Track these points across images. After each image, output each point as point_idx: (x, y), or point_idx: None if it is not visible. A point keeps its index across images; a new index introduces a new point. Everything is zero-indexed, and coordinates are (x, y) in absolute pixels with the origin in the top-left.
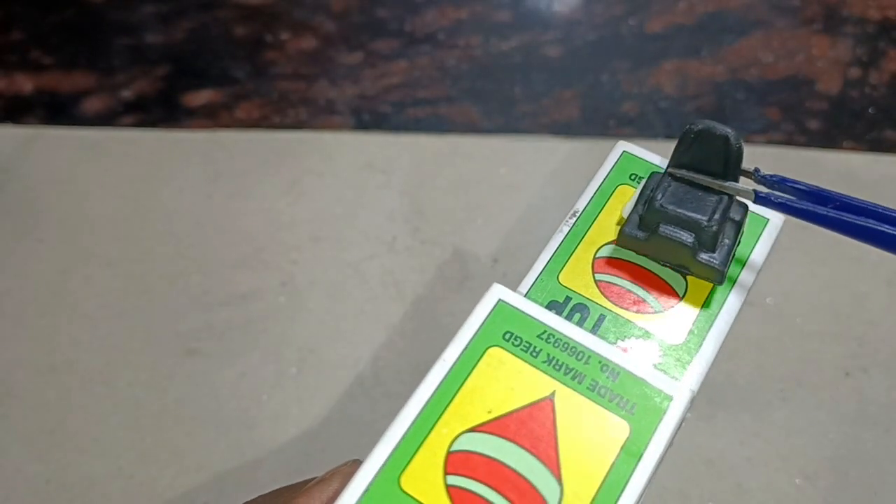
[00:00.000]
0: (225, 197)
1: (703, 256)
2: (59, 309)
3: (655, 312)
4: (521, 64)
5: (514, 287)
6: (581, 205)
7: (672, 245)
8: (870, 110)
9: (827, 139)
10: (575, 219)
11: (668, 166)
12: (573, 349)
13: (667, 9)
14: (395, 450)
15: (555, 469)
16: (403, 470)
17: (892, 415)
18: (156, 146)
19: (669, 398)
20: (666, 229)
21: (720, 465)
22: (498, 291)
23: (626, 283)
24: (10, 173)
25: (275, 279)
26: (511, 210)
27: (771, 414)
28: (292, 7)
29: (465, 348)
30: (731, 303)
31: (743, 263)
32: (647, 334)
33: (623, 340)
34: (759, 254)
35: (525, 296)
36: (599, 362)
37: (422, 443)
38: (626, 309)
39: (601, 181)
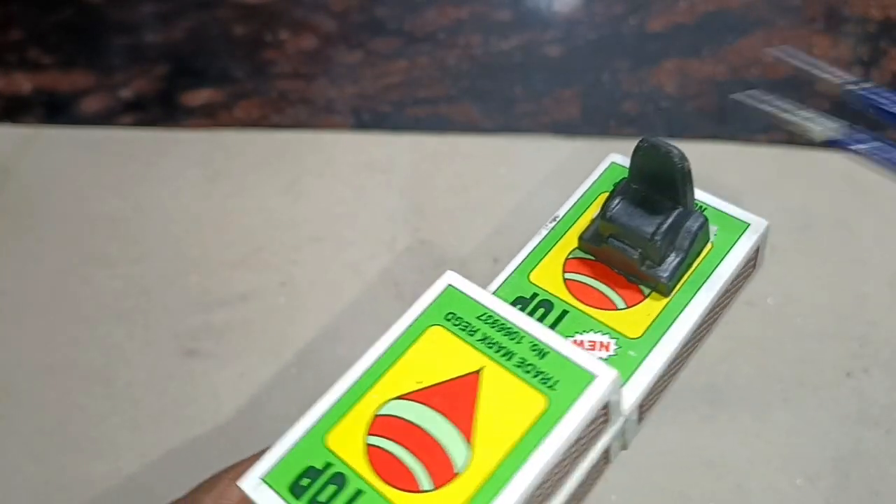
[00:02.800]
0: (224, 196)
1: (649, 269)
2: (58, 309)
3: (619, 309)
4: (521, 63)
5: (488, 284)
6: (562, 211)
7: (620, 256)
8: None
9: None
10: (554, 223)
11: (628, 177)
12: (508, 329)
13: (667, 8)
14: (327, 412)
15: (468, 435)
16: (331, 429)
17: (893, 415)
18: (155, 145)
19: (592, 377)
20: (614, 241)
21: (721, 466)
22: (449, 277)
23: (594, 282)
24: (9, 173)
25: (274, 279)
26: (511, 209)
27: (772, 414)
28: (292, 6)
29: (410, 325)
30: (695, 303)
31: (715, 265)
32: (606, 328)
33: (582, 334)
34: (734, 257)
35: (494, 292)
36: (531, 342)
37: (352, 406)
38: (590, 305)
39: (585, 189)
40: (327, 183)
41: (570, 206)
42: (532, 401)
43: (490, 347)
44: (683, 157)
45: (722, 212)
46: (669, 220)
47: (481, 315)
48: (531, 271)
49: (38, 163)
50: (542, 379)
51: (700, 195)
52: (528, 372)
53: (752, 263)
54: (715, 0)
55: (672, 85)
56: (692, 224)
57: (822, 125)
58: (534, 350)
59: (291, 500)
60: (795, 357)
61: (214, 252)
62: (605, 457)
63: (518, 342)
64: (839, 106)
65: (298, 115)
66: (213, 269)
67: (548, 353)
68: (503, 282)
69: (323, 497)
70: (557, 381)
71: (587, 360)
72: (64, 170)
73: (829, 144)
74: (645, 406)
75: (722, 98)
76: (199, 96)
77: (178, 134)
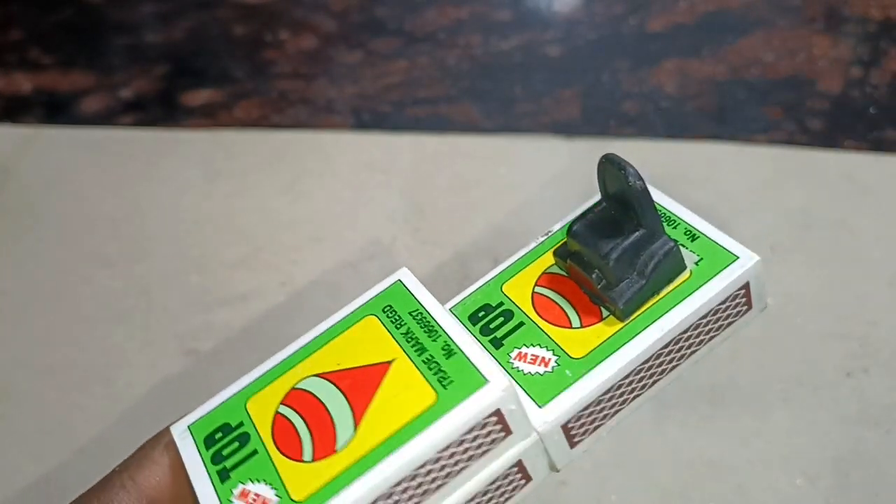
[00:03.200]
0: (224, 196)
1: (606, 291)
2: (58, 309)
3: (573, 328)
4: (521, 63)
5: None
6: (556, 227)
7: (580, 274)
8: (871, 110)
9: (828, 139)
10: (546, 237)
11: (600, 193)
12: (430, 327)
13: (667, 8)
14: (256, 379)
15: (358, 418)
16: (254, 395)
17: (894, 415)
18: (155, 145)
19: (484, 382)
20: (574, 258)
21: (721, 466)
22: (400, 274)
23: (558, 299)
24: (8, 173)
25: (274, 279)
26: (511, 209)
27: (772, 414)
28: (292, 6)
29: (351, 313)
30: (648, 333)
31: (684, 296)
32: (552, 344)
33: (528, 347)
34: (708, 290)
35: (466, 297)
36: (445, 342)
37: (278, 377)
38: (547, 321)
39: (586, 206)
40: (327, 183)
41: (566, 221)
42: (423, 395)
43: (409, 342)
44: (637, 176)
45: (712, 240)
46: (627, 242)
47: (413, 311)
48: (506, 282)
49: (37, 163)
50: (441, 377)
51: (693, 220)
52: (430, 369)
53: (740, 302)
54: (715, 0)
55: (672, 85)
56: (657, 248)
57: None
58: (444, 349)
59: (203, 449)
60: (795, 357)
61: (214, 252)
62: (522, 472)
63: (434, 340)
64: (840, 105)
65: (298, 115)
66: (214, 268)
67: (455, 353)
68: (478, 288)
69: (225, 451)
70: (452, 381)
71: (486, 366)
72: (64, 170)
73: None
74: (576, 430)
75: (722, 98)
76: (199, 96)
77: (178, 134)
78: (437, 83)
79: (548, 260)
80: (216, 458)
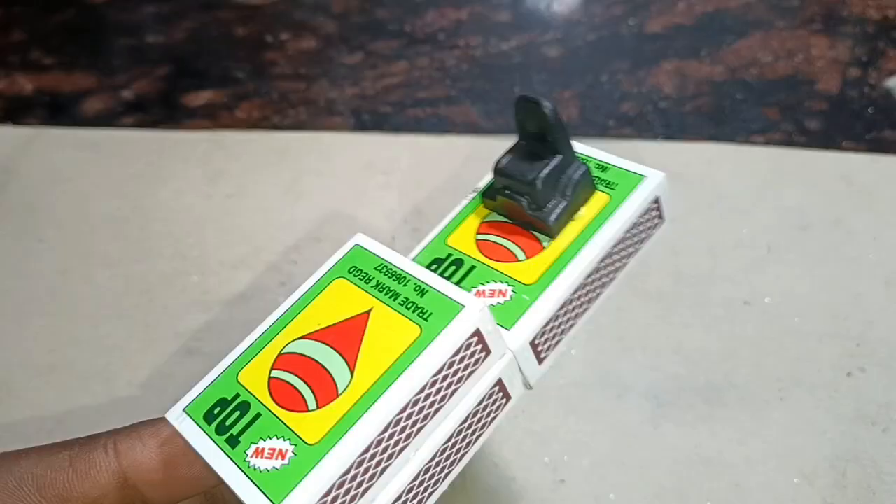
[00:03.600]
0: (225, 197)
1: (535, 213)
2: (58, 309)
3: (519, 261)
4: (520, 64)
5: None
6: (481, 183)
7: (511, 204)
8: (869, 110)
9: (826, 139)
10: (474, 194)
11: (518, 136)
12: (397, 275)
13: (666, 9)
14: (241, 354)
15: (352, 363)
16: (243, 368)
17: (890, 414)
18: (156, 146)
19: (461, 307)
20: (504, 191)
21: (718, 465)
22: (356, 238)
23: (501, 240)
24: (10, 173)
25: (274, 279)
26: None
27: (769, 413)
28: (292, 8)
29: (318, 280)
30: (586, 250)
31: (608, 216)
32: (505, 278)
33: (484, 284)
34: (627, 207)
35: (413, 258)
36: (415, 284)
37: (262, 348)
38: (496, 260)
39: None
40: (327, 183)
41: (489, 179)
42: (408, 331)
43: (381, 291)
44: (551, 107)
45: (620, 168)
46: (549, 167)
47: (377, 266)
48: (448, 236)
49: (39, 163)
50: (420, 313)
51: (600, 154)
52: (408, 308)
53: (654, 215)
54: (713, 1)
55: (671, 86)
56: (573, 171)
57: None
58: (416, 290)
59: (204, 425)
60: (793, 356)
61: (215, 252)
62: (503, 391)
63: (404, 285)
64: (838, 106)
65: (299, 115)
66: (214, 268)
67: (427, 291)
68: (424, 247)
69: (229, 421)
70: (431, 313)
71: (459, 294)
72: (65, 170)
73: None
74: (541, 346)
75: (720, 99)
76: (200, 97)
77: (179, 135)
78: (437, 84)
79: (482, 211)
80: (220, 429)
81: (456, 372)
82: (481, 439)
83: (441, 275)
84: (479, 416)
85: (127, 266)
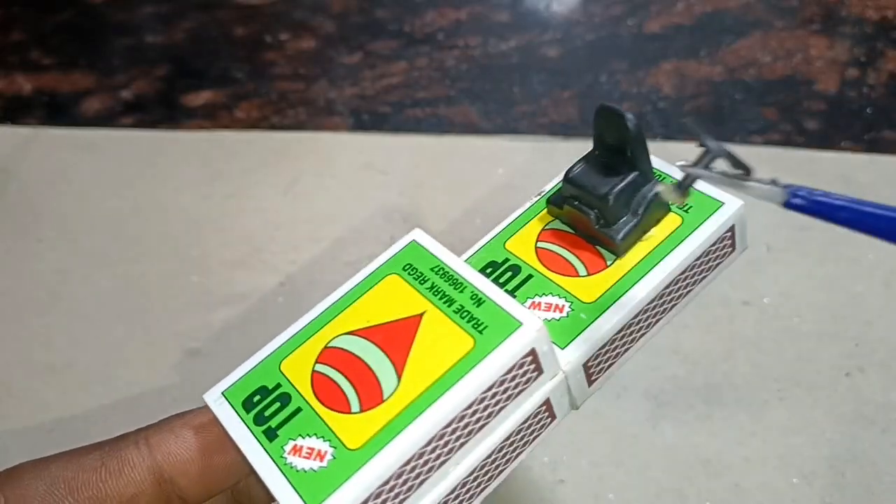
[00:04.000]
0: (224, 197)
1: (603, 229)
2: (57, 309)
3: (580, 276)
4: (519, 64)
5: (464, 251)
6: (547, 187)
7: (578, 216)
8: (868, 110)
9: (825, 139)
10: (538, 197)
11: (593, 145)
12: (454, 280)
13: (665, 9)
14: (285, 342)
15: (399, 368)
16: (286, 357)
17: (890, 414)
18: (155, 146)
19: (518, 324)
20: (573, 202)
21: (717, 465)
22: (414, 234)
23: (562, 251)
24: (9, 173)
25: (273, 279)
26: (510, 210)
27: (768, 414)
28: (292, 8)
29: (371, 273)
30: (652, 274)
31: (680, 240)
32: (563, 292)
33: (540, 296)
34: (700, 234)
35: (470, 256)
36: (472, 292)
37: (308, 339)
38: (554, 272)
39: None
40: (326, 184)
41: (557, 181)
42: (461, 342)
43: (435, 294)
44: (636, 122)
45: (698, 190)
46: (623, 183)
47: (434, 267)
48: (508, 239)
49: (38, 163)
50: (475, 324)
51: (679, 174)
52: (463, 317)
53: (727, 244)
54: (712, 1)
55: (670, 86)
56: (648, 189)
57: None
58: (473, 299)
59: (242, 412)
60: (792, 356)
61: (214, 252)
62: (549, 410)
63: (461, 291)
64: (836, 106)
65: (298, 116)
66: (213, 269)
67: (484, 301)
68: (481, 247)
69: (268, 412)
70: (486, 326)
71: (517, 309)
72: (64, 170)
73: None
74: (594, 369)
75: (719, 99)
76: (199, 97)
77: (178, 135)
78: (436, 84)
79: (545, 217)
80: (259, 420)
81: (506, 390)
82: (522, 455)
83: (496, 280)
84: (522, 434)
85: (126, 266)
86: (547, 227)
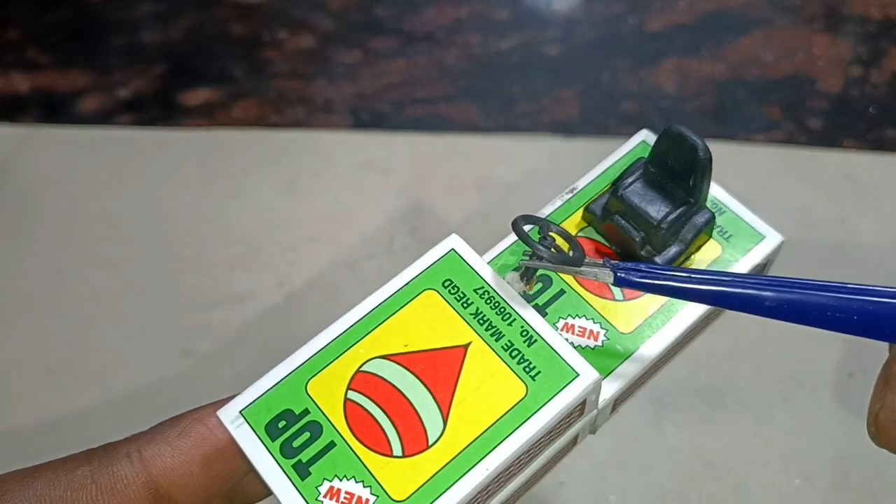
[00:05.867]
0: (222, 196)
1: (649, 254)
2: (55, 309)
3: (615, 300)
4: (520, 63)
5: (489, 247)
6: (581, 183)
7: (622, 235)
8: (871, 109)
9: (828, 138)
10: (571, 195)
11: (648, 158)
12: (501, 309)
13: (667, 7)
14: (312, 357)
15: (445, 410)
16: (314, 376)
17: None
18: (152, 145)
19: (575, 375)
20: (619, 219)
21: (720, 466)
22: (453, 241)
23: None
24: (6, 173)
25: (271, 280)
26: (510, 210)
27: (771, 415)
28: (290, 5)
29: (406, 284)
30: (691, 307)
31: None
32: (598, 317)
33: (573, 318)
34: (741, 267)
35: (494, 257)
36: (522, 326)
37: (338, 357)
38: (589, 290)
39: (609, 165)
40: (325, 183)
41: (590, 179)
42: (512, 387)
43: (481, 324)
44: (707, 152)
45: (740, 218)
46: (678, 211)
47: (478, 289)
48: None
49: (35, 162)
50: (526, 367)
51: (721, 195)
52: (513, 357)
53: (760, 271)
54: (714, 0)
55: (671, 84)
56: (699, 218)
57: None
58: (523, 335)
59: (266, 439)
60: (794, 357)
61: (212, 252)
62: (573, 441)
63: (510, 324)
64: (839, 104)
65: (297, 114)
66: (211, 269)
67: (536, 341)
68: (507, 247)
69: (297, 443)
70: (540, 371)
71: (573, 356)
72: (61, 169)
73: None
74: (621, 399)
75: (721, 97)
76: (197, 96)
77: (175, 133)
78: (436, 83)
79: (576, 221)
80: (287, 451)
81: (551, 436)
82: (540, 481)
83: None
84: (547, 466)
85: (123, 266)
86: (580, 234)
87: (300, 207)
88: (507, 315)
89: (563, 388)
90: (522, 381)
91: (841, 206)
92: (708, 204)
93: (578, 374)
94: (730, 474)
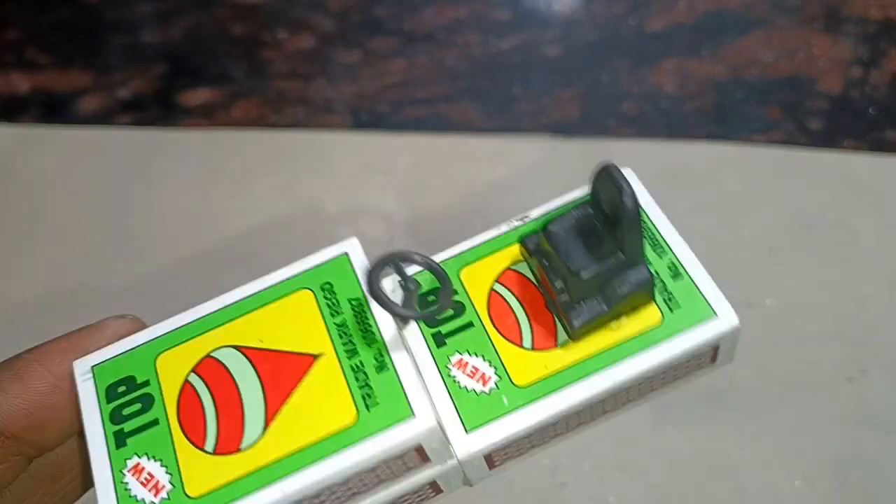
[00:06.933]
0: (221, 197)
1: (564, 304)
2: (54, 309)
3: (522, 348)
4: (520, 63)
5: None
6: (536, 213)
7: (545, 276)
8: (871, 110)
9: (828, 139)
10: (521, 223)
11: (590, 199)
12: (367, 327)
13: (667, 8)
14: (173, 331)
15: (270, 415)
16: (167, 350)
17: (893, 417)
18: (152, 145)
19: (410, 415)
20: (543, 260)
21: (719, 468)
22: (348, 245)
23: (516, 306)
24: (5, 172)
25: None
26: (510, 210)
27: (771, 416)
28: (290, 6)
29: (286, 279)
30: (600, 378)
31: (646, 346)
32: (496, 361)
33: (470, 355)
34: (674, 346)
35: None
36: (379, 350)
37: (195, 336)
38: (498, 330)
39: (572, 198)
40: (325, 183)
41: (547, 209)
42: (344, 411)
43: (341, 337)
44: (635, 203)
45: (695, 286)
46: (604, 265)
47: (353, 299)
48: (465, 267)
49: (35, 162)
50: (366, 394)
51: (682, 253)
52: (357, 380)
53: (706, 360)
54: (714, 0)
55: (672, 85)
56: (634, 276)
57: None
58: (377, 360)
59: (102, 400)
60: (795, 358)
61: (212, 252)
62: (435, 489)
63: (368, 344)
64: (839, 105)
65: (296, 114)
66: (211, 269)
67: (386, 368)
68: (471, 247)
69: (127, 411)
70: (378, 403)
71: (416, 396)
72: (61, 169)
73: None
74: (497, 457)
75: (721, 98)
76: (196, 96)
77: (175, 134)
78: (436, 83)
79: (513, 252)
80: (115, 417)
81: (378, 475)
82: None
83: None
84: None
85: (123, 266)
86: (513, 267)
87: (300, 208)
88: (369, 333)
89: (393, 425)
90: (357, 407)
91: (841, 208)
92: (666, 264)
93: (414, 416)
94: (730, 475)
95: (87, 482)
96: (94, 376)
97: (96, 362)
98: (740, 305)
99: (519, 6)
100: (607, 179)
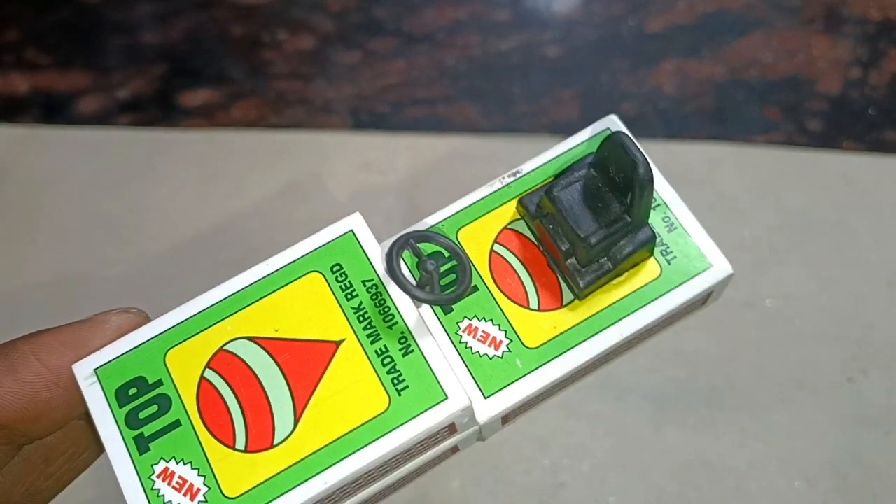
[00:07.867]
0: (221, 197)
1: (571, 267)
2: (54, 310)
3: (529, 309)
4: (520, 64)
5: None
6: (526, 168)
7: (549, 239)
8: (870, 111)
9: (827, 140)
10: (512, 179)
11: (592, 160)
12: (386, 308)
13: (666, 8)
14: (178, 325)
15: (299, 409)
16: (176, 345)
17: (892, 418)
18: (152, 146)
19: (443, 397)
20: (548, 223)
21: (719, 468)
22: (353, 221)
23: (518, 267)
24: (5, 173)
25: None
26: None
27: (770, 416)
28: (289, 6)
29: (293, 262)
30: (608, 334)
31: (650, 299)
32: (506, 324)
33: (479, 320)
34: (677, 297)
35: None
36: (402, 332)
37: (204, 329)
38: (503, 292)
39: (564, 150)
40: (325, 183)
41: (537, 164)
42: (375, 398)
43: (360, 322)
44: (648, 171)
45: (690, 239)
46: (613, 230)
47: (367, 280)
48: (462, 228)
49: (34, 163)
50: (396, 378)
51: (677, 208)
52: (385, 364)
53: (697, 303)
54: (714, 0)
55: (671, 85)
56: (637, 235)
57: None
58: (401, 342)
59: (114, 404)
60: (794, 359)
61: (212, 253)
62: (454, 451)
63: (390, 327)
64: (839, 106)
65: (296, 115)
66: (210, 270)
67: (412, 352)
68: (433, 225)
69: (143, 414)
70: (408, 387)
71: (447, 377)
72: (61, 170)
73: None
74: (512, 416)
75: (721, 99)
76: (196, 97)
77: (175, 134)
78: (436, 83)
79: (509, 211)
80: (131, 421)
81: (411, 454)
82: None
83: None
84: (419, 470)
85: (122, 267)
86: (510, 226)
87: (300, 208)
88: (390, 316)
89: (428, 409)
90: (387, 392)
91: (840, 208)
92: (661, 217)
93: (447, 397)
94: (729, 476)
95: (81, 464)
96: (98, 379)
97: (99, 364)
98: (740, 305)
99: (519, 7)
100: (620, 149)
